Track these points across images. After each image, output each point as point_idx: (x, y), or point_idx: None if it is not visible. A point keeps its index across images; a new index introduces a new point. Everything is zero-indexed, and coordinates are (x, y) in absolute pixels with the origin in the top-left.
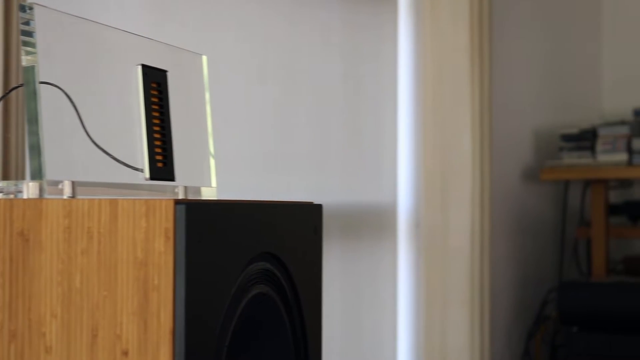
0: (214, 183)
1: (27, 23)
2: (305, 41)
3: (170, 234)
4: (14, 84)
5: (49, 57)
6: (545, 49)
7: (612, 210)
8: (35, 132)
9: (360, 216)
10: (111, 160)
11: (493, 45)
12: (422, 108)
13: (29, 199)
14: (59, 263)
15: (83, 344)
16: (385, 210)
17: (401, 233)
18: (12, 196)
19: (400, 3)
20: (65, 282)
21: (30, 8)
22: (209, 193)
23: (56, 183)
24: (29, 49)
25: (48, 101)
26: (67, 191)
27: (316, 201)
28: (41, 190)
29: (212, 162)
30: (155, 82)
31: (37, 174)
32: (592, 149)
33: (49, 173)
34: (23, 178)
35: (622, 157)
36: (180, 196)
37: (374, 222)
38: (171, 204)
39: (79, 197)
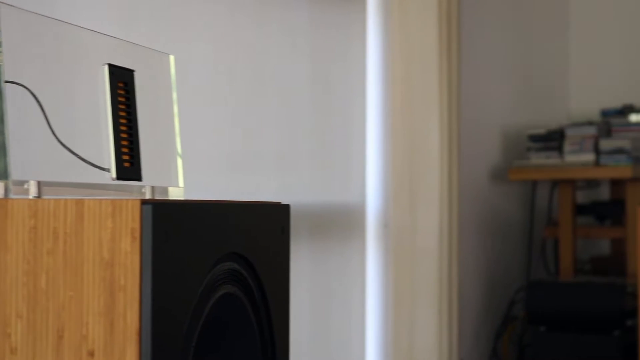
0: (181, 183)
1: None
2: (273, 41)
3: (137, 234)
4: None
5: (14, 56)
6: (513, 49)
7: (580, 210)
8: (0, 132)
9: (329, 216)
10: (78, 160)
11: (461, 45)
12: (391, 108)
13: None
14: (25, 263)
15: (49, 344)
16: (353, 210)
17: (370, 233)
18: None
19: (368, 3)
20: (30, 283)
21: None
22: (176, 193)
23: (22, 183)
24: None
25: (14, 101)
26: (32, 191)
27: (284, 201)
28: (6, 190)
29: (179, 162)
30: (122, 81)
31: (3, 174)
32: (559, 149)
33: (15, 173)
34: None
35: (590, 157)
36: (147, 196)
37: (343, 222)
38: (137, 204)
39: (45, 197)
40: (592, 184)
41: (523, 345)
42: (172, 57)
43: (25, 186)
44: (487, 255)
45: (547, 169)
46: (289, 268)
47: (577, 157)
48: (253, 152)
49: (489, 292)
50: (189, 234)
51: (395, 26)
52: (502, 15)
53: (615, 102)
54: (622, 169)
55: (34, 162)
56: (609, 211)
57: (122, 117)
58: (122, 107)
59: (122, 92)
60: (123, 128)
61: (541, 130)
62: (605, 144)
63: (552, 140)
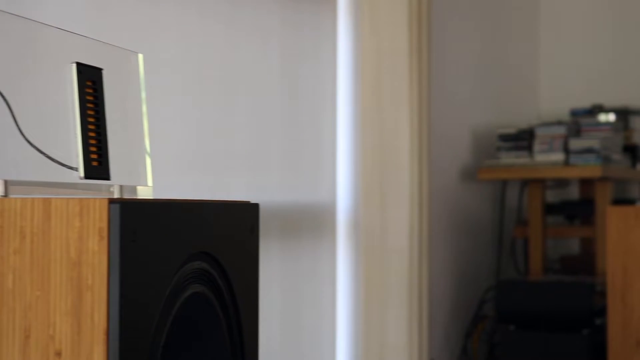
0: (150, 182)
1: None
2: (244, 40)
3: (105, 234)
4: None
5: None
6: (483, 49)
7: (549, 209)
8: None
9: (300, 216)
10: (46, 159)
11: (432, 45)
12: (361, 108)
13: None
14: None
15: (15, 344)
16: (324, 209)
17: (340, 233)
18: None
19: (339, 3)
20: None
21: None
22: (144, 192)
23: None
24: None
25: None
26: None
27: (255, 201)
28: None
29: (148, 161)
30: (90, 80)
31: None
32: (529, 148)
33: None
34: None
35: (559, 157)
36: (116, 195)
37: (313, 222)
38: (105, 203)
39: (12, 196)
40: (561, 183)
41: (493, 344)
42: (140, 56)
43: None
44: (457, 255)
45: (517, 168)
46: (258, 267)
47: (546, 157)
48: (223, 152)
49: (459, 292)
50: (157, 233)
51: (365, 27)
52: (472, 16)
53: (585, 102)
54: (591, 169)
55: (1, 160)
56: (579, 210)
57: (90, 115)
58: (91, 105)
59: (90, 90)
60: (91, 127)
61: (511, 130)
62: (575, 144)
63: (522, 139)
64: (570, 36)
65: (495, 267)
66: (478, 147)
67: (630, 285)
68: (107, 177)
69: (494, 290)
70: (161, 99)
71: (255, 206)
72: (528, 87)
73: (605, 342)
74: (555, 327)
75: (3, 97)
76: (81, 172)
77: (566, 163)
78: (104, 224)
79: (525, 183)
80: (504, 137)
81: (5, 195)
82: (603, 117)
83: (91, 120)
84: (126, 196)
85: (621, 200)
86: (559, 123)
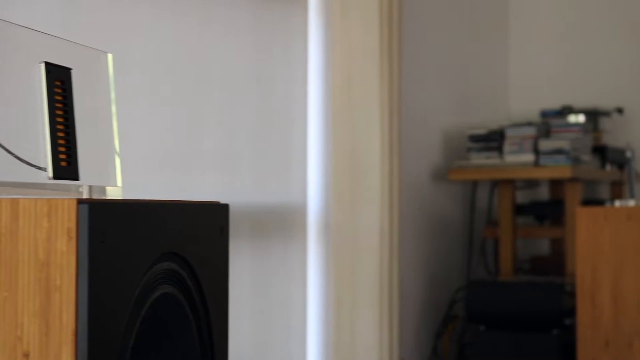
0: (119, 182)
1: None
2: (215, 40)
3: (73, 234)
4: None
5: None
6: (454, 50)
7: (519, 210)
8: None
9: (270, 216)
10: (14, 159)
11: (403, 46)
12: (332, 108)
13: None
14: None
15: None
16: (295, 210)
17: (311, 233)
18: None
19: (310, 4)
20: None
21: None
22: (114, 192)
23: None
24: None
25: None
26: None
27: (226, 201)
28: None
29: (117, 161)
30: (59, 79)
31: None
32: (499, 149)
33: None
34: None
35: (529, 157)
36: (85, 196)
37: (284, 222)
38: (74, 203)
39: None
40: (531, 184)
41: (463, 344)
42: (110, 56)
43: None
44: (428, 255)
45: (487, 169)
46: (228, 268)
47: (516, 158)
48: (193, 152)
49: (430, 292)
50: (126, 234)
51: (336, 27)
52: (442, 17)
53: (555, 103)
54: (561, 169)
55: None
56: (548, 211)
57: (59, 115)
58: (59, 105)
59: (59, 90)
60: (60, 127)
61: (481, 131)
62: (545, 145)
63: (492, 140)
64: (539, 37)
65: (465, 268)
66: (448, 148)
67: (600, 286)
68: (76, 178)
69: (464, 291)
70: (131, 99)
71: (225, 207)
72: (498, 88)
73: (575, 342)
74: (525, 327)
75: None
76: (50, 173)
77: (536, 164)
78: (73, 225)
79: (496, 184)
80: (474, 138)
81: None
82: (573, 118)
83: (60, 120)
84: (95, 196)
85: (591, 201)
86: (529, 124)
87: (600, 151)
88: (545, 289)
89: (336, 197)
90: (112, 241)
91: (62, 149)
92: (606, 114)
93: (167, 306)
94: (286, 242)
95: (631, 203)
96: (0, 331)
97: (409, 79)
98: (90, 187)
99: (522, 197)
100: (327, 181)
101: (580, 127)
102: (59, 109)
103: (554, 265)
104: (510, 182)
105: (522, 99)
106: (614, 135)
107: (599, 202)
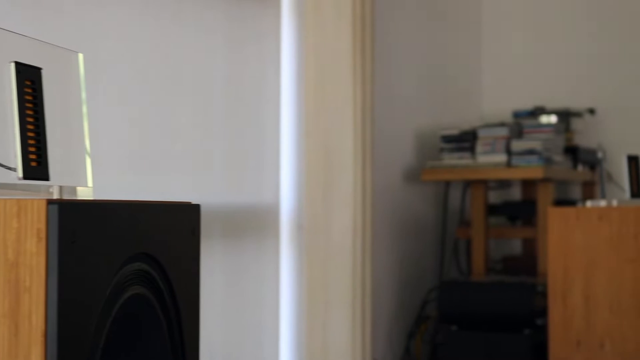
0: (90, 183)
1: None
2: (187, 40)
3: (43, 235)
4: None
5: None
6: (427, 51)
7: (492, 210)
8: None
9: (243, 216)
10: None
11: (375, 46)
12: (305, 108)
13: None
14: None
15: None
16: (267, 210)
17: (284, 233)
18: None
19: (283, 4)
20: None
21: None
22: (84, 193)
23: None
24: None
25: None
26: None
27: (199, 201)
28: None
29: (88, 161)
30: (29, 79)
31: None
32: (472, 150)
33: None
34: None
35: (501, 158)
36: (55, 196)
37: (257, 223)
38: (43, 203)
39: None
40: (503, 184)
41: (435, 344)
42: (80, 55)
43: None
44: (401, 256)
45: (460, 169)
46: (199, 269)
47: (489, 158)
48: (165, 152)
49: (402, 292)
50: (96, 235)
51: (309, 27)
52: (416, 17)
53: (527, 104)
54: (533, 170)
55: None
56: (521, 211)
57: (29, 115)
58: (29, 105)
59: (29, 90)
60: (30, 127)
61: (454, 131)
62: (517, 145)
63: (465, 141)
64: (512, 38)
65: (438, 268)
66: (421, 148)
67: (571, 286)
68: (46, 178)
69: (437, 291)
70: (102, 99)
71: (197, 207)
72: (471, 89)
73: (546, 342)
74: (497, 328)
75: None
76: (20, 173)
77: (508, 164)
78: (43, 225)
79: (468, 184)
80: (447, 139)
81: None
82: (545, 119)
83: (30, 120)
84: (66, 197)
85: (562, 201)
86: (502, 124)
87: (572, 152)
88: (517, 289)
89: (309, 197)
90: (83, 242)
91: (32, 149)
92: (578, 114)
93: (138, 307)
94: (259, 243)
95: (602, 203)
96: None
97: (382, 78)
98: (60, 187)
99: (494, 197)
100: (299, 181)
101: (552, 127)
102: (29, 109)
103: (526, 265)
104: (483, 183)
105: (494, 99)
106: (585, 135)
107: (571, 203)
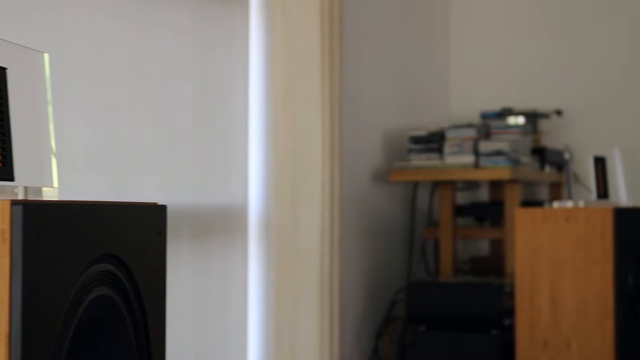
0: (55, 183)
1: None
2: (155, 40)
3: (7, 236)
4: None
5: None
6: (395, 52)
7: (459, 211)
8: None
9: (211, 217)
10: None
11: (344, 47)
12: (272, 109)
13: None
14: None
15: None
16: (235, 211)
17: (252, 234)
18: None
19: (251, 4)
20: None
21: None
22: (50, 194)
23: None
24: None
25: None
26: None
27: (165, 202)
28: None
29: (54, 161)
30: None
31: None
32: (440, 151)
33: None
34: None
35: (469, 159)
36: (20, 197)
37: (225, 223)
38: (7, 204)
39: None
40: (471, 185)
41: (404, 344)
42: (46, 56)
43: None
44: (369, 256)
45: (428, 170)
46: (166, 269)
47: (457, 159)
48: (132, 153)
49: (370, 293)
50: (61, 235)
51: (277, 27)
52: (384, 17)
53: (495, 105)
54: (500, 171)
55: None
56: (488, 212)
57: None
58: None
59: None
60: None
61: (422, 132)
62: (485, 146)
63: (433, 142)
64: (480, 39)
65: (406, 268)
66: (389, 149)
67: (538, 286)
68: (11, 178)
69: (405, 291)
70: (68, 99)
71: (163, 208)
72: (439, 90)
73: (514, 342)
74: (464, 328)
75: None
76: None
77: (476, 165)
78: (6, 226)
79: (436, 185)
80: (415, 139)
81: None
82: (512, 120)
83: None
84: (31, 197)
85: (530, 202)
86: (469, 126)
87: (540, 153)
88: (485, 289)
89: (277, 197)
90: (47, 243)
91: None
92: (545, 116)
93: (104, 308)
94: (227, 243)
95: (569, 204)
96: None
97: (350, 79)
98: (25, 188)
99: (462, 198)
100: (268, 182)
101: (519, 128)
102: None
103: (494, 266)
104: (451, 184)
105: (462, 100)
106: (553, 137)
107: (538, 203)
